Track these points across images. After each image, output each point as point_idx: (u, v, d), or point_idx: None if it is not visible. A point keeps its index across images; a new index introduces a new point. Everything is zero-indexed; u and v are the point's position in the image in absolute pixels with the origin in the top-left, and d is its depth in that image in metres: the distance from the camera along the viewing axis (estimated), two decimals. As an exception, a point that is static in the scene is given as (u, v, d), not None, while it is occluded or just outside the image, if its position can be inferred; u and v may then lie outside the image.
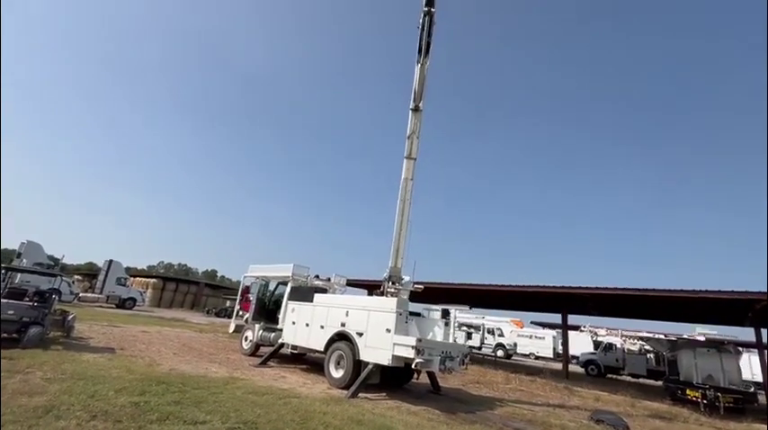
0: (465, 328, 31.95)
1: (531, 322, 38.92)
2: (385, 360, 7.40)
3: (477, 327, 31.78)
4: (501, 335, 31.94)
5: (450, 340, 8.57)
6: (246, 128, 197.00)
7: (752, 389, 12.42)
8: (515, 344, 32.36)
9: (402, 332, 7.66)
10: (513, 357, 30.71)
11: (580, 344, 31.04)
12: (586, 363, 23.69)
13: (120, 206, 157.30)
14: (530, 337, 36.26)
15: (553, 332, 34.09)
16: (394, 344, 7.40)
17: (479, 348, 30.47)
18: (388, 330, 7.61)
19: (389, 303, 8.00)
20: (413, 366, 7.15)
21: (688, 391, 12.14)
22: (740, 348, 14.62)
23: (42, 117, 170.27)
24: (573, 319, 29.76)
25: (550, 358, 32.92)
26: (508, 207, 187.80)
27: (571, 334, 34.06)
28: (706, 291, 11.35)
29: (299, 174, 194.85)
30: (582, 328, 28.14)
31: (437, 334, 8.81)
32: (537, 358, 33.70)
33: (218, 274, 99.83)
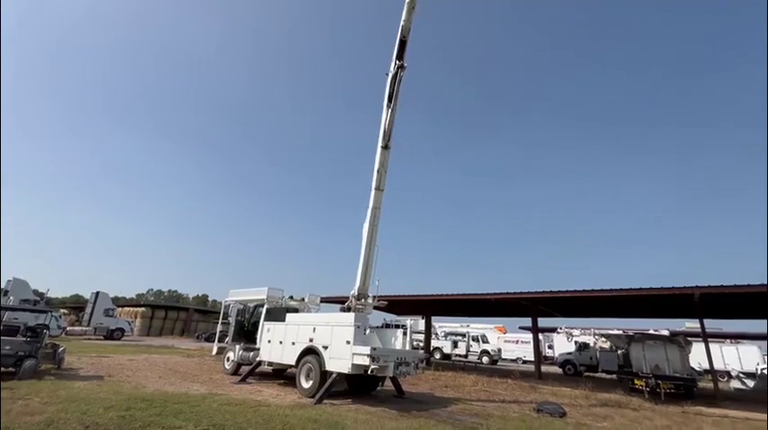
0: (451, 337, 33.02)
1: (519, 327, 40.06)
2: (346, 368, 8.43)
3: (462, 335, 32.81)
4: (486, 341, 32.92)
5: (408, 348, 9.64)
6: (237, 148, 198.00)
7: (691, 376, 13.59)
8: (500, 350, 33.34)
9: (360, 343, 8.70)
10: (498, 363, 31.61)
11: (564, 345, 32.18)
12: (564, 363, 24.79)
13: (105, 234, 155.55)
14: (516, 342, 37.40)
15: (540, 336, 35.16)
16: (353, 354, 8.44)
17: (465, 355, 31.41)
18: (348, 342, 8.66)
19: (348, 318, 9.07)
20: (368, 372, 8.19)
21: (635, 381, 13.35)
22: (689, 339, 15.87)
23: (31, 146, 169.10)
24: (555, 322, 31.08)
25: None
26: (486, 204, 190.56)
27: (556, 336, 35.52)
28: (641, 288, 12.68)
29: (295, 194, 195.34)
30: (558, 330, 29.31)
31: (398, 342, 9.88)
32: (524, 362, 34.69)
33: (210, 299, 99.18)
